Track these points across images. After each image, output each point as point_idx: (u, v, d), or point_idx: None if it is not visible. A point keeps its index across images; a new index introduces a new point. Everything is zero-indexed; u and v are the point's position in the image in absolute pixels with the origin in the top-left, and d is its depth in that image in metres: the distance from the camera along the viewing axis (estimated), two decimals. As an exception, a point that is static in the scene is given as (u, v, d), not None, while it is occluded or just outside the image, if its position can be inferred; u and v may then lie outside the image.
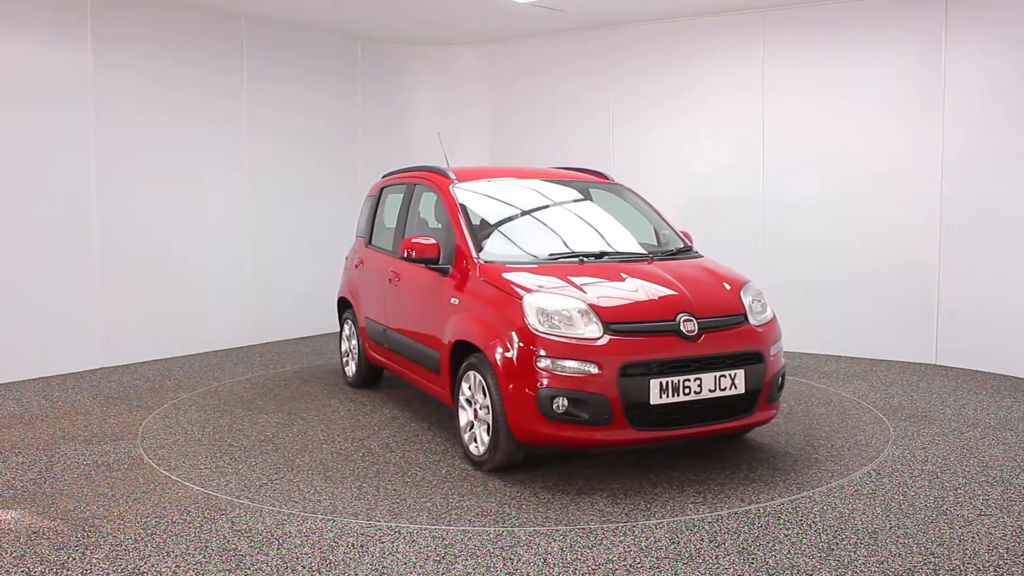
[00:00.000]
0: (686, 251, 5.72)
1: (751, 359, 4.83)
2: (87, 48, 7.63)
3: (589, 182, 6.25)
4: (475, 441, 5.02)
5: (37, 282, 7.36)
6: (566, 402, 4.49)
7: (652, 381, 4.53)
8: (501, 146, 10.40)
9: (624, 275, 5.06)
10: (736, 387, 4.74)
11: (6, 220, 7.18)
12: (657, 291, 4.92)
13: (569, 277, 4.96)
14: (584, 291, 4.79)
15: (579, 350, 4.51)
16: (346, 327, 7.35)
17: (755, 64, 8.60)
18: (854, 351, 8.27)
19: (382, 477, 4.90)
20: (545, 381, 4.51)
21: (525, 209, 5.93)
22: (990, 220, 7.47)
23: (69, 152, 7.54)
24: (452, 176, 5.95)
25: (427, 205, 6.38)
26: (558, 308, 4.64)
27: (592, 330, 4.57)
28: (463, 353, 5.15)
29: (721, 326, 4.83)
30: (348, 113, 10.02)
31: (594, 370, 4.47)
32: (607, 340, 4.54)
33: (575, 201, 6.05)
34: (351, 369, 7.17)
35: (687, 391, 4.60)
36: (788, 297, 8.56)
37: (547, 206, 6.00)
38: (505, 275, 5.00)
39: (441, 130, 10.72)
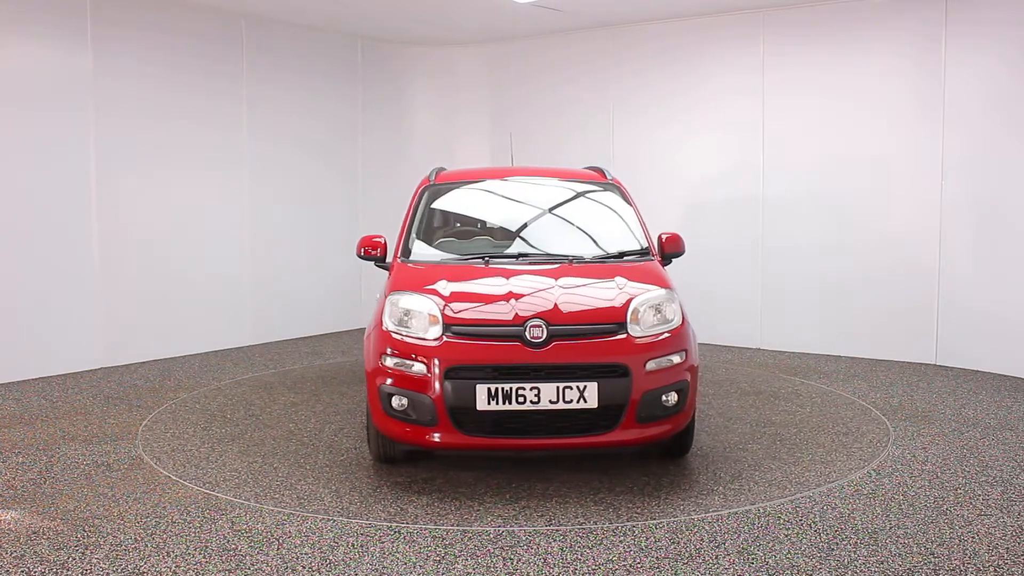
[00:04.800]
0: (641, 254, 5.44)
1: (611, 372, 4.48)
2: (87, 50, 7.63)
3: (576, 181, 6.13)
4: None
5: (37, 282, 7.36)
6: (406, 401, 4.53)
7: (479, 386, 4.40)
8: (501, 146, 10.40)
9: (508, 278, 4.96)
10: (586, 401, 4.43)
11: (6, 220, 7.18)
12: (527, 295, 4.74)
13: (446, 278, 4.95)
14: (443, 293, 4.77)
15: (414, 350, 4.55)
16: None
17: (755, 65, 8.60)
18: (854, 351, 8.27)
19: (289, 460, 5.20)
20: (386, 379, 4.60)
21: (483, 210, 6.06)
22: (990, 220, 7.47)
23: (69, 153, 7.55)
24: (431, 177, 6.07)
25: None
26: (409, 308, 4.71)
27: (434, 331, 4.57)
28: None
29: (580, 334, 4.55)
30: (348, 113, 10.02)
31: (422, 371, 4.49)
32: (441, 342, 4.53)
33: (545, 201, 5.97)
34: None
35: (521, 400, 4.40)
36: (788, 297, 8.58)
37: (509, 207, 5.99)
38: (395, 274, 5.19)
39: (441, 131, 10.75)
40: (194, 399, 6.70)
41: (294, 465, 5.10)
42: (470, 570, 3.66)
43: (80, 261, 7.65)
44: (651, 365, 4.56)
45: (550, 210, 5.92)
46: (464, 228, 6.03)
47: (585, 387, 4.43)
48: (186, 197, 8.44)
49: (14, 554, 3.82)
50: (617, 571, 3.65)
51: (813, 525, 4.13)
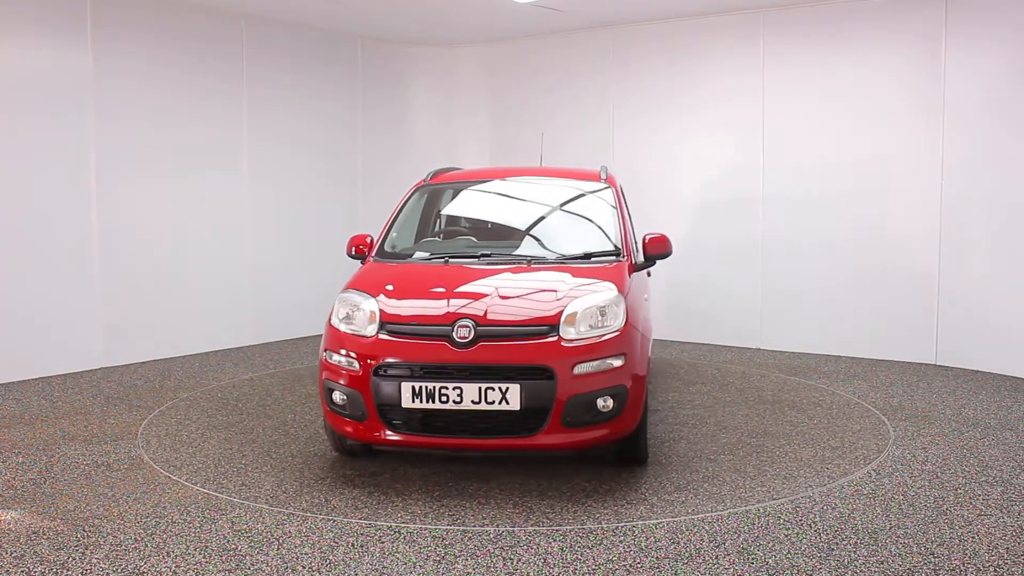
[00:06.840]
0: (611, 255, 5.29)
1: (535, 374, 4.40)
2: (87, 50, 7.62)
3: (571, 181, 6.11)
4: None
5: (37, 282, 7.36)
6: (344, 396, 4.62)
7: (404, 384, 4.45)
8: (501, 146, 10.40)
9: (458, 278, 5.00)
10: (508, 403, 4.37)
11: (6, 220, 7.17)
12: (465, 296, 4.75)
13: (399, 277, 5.08)
14: (388, 290, 4.86)
15: (353, 346, 4.64)
16: None
17: (755, 64, 8.60)
18: (854, 351, 8.27)
19: (261, 449, 5.39)
20: (329, 373, 4.72)
21: (466, 211, 6.18)
22: (990, 220, 7.48)
23: (69, 153, 7.54)
24: (426, 178, 6.16)
25: None
26: (353, 305, 4.81)
27: (372, 329, 4.65)
28: None
29: (508, 336, 4.50)
30: (348, 113, 10.02)
31: (355, 367, 4.57)
32: (375, 339, 4.61)
33: (531, 202, 5.99)
34: None
35: (444, 399, 4.41)
36: (788, 297, 8.58)
37: (493, 208, 6.07)
38: (358, 272, 5.30)
39: (441, 131, 10.75)
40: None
41: (260, 454, 5.25)
42: (470, 570, 3.66)
43: (80, 261, 7.64)
44: (583, 368, 4.44)
45: (532, 211, 5.95)
46: (446, 228, 6.12)
47: (507, 388, 4.38)
48: (186, 197, 8.43)
49: (14, 554, 3.82)
50: (617, 571, 3.65)
51: (813, 525, 4.13)
